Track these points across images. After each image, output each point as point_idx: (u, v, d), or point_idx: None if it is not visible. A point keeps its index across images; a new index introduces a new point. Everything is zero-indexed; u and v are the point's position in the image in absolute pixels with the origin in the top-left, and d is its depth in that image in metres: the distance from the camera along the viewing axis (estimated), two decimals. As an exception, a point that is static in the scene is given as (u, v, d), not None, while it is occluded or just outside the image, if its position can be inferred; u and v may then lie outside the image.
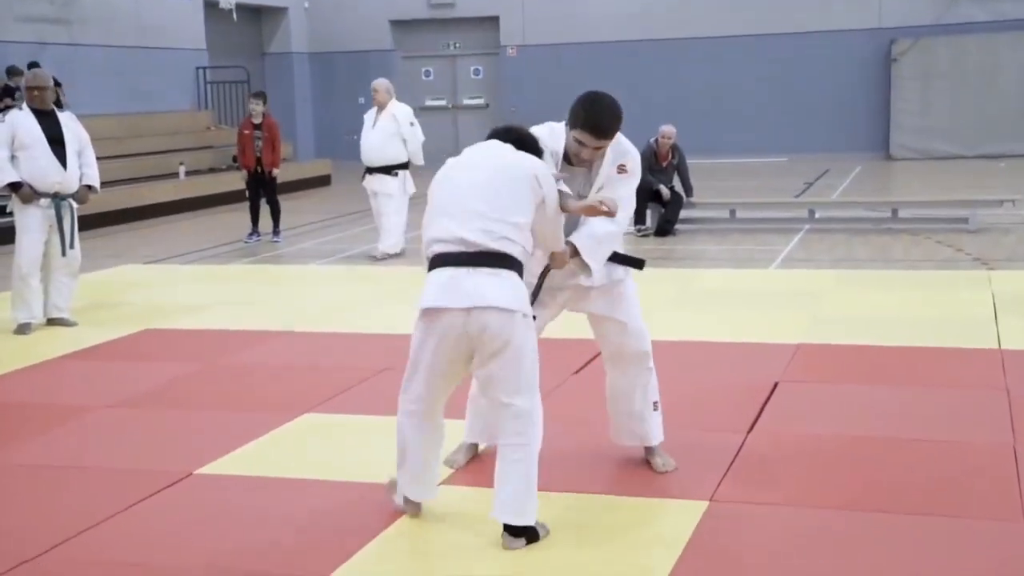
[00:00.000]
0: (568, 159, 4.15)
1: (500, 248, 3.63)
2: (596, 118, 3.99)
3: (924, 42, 20.27)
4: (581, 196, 4.08)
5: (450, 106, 23.52)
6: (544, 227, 3.84)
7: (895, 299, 7.99)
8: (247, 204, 12.64)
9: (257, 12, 23.03)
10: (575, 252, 4.12)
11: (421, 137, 10.90)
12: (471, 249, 3.62)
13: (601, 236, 4.15)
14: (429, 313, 3.69)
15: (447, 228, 3.67)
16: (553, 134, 4.16)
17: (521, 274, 3.72)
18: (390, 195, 10.78)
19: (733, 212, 12.75)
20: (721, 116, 21.13)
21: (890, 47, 20.50)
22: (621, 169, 4.16)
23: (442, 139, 23.34)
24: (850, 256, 10.42)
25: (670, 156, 12.15)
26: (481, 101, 23.06)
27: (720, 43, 21.17)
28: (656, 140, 12.08)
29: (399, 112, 10.86)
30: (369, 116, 11.09)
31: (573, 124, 4.03)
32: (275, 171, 12.38)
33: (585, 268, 4.18)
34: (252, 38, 23.12)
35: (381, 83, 11.08)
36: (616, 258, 4.30)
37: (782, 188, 16.18)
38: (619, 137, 4.16)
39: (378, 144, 10.82)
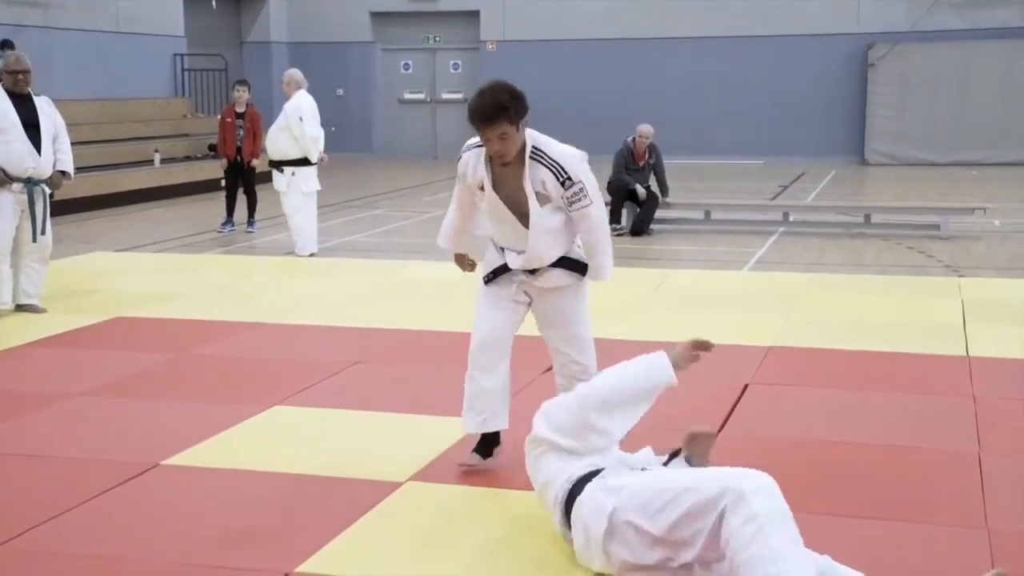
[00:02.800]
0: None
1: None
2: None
3: (901, 48, 20.39)
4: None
5: (428, 100, 23.47)
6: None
7: (866, 303, 8.03)
8: (223, 193, 12.56)
9: (237, 1, 22.89)
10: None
11: (312, 131, 10.36)
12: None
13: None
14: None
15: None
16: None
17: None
18: (282, 193, 10.58)
19: (708, 213, 12.79)
20: (700, 117, 21.19)
21: (867, 52, 20.60)
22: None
23: (420, 132, 23.32)
24: (823, 260, 10.46)
25: (647, 156, 12.14)
26: (460, 96, 22.97)
27: (701, 44, 21.21)
28: (633, 139, 12.08)
29: (289, 106, 10.47)
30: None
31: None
32: (255, 161, 12.31)
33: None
34: (231, 27, 22.98)
35: (286, 74, 10.83)
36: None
37: (758, 190, 16.24)
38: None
39: (270, 138, 10.64)
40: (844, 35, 20.72)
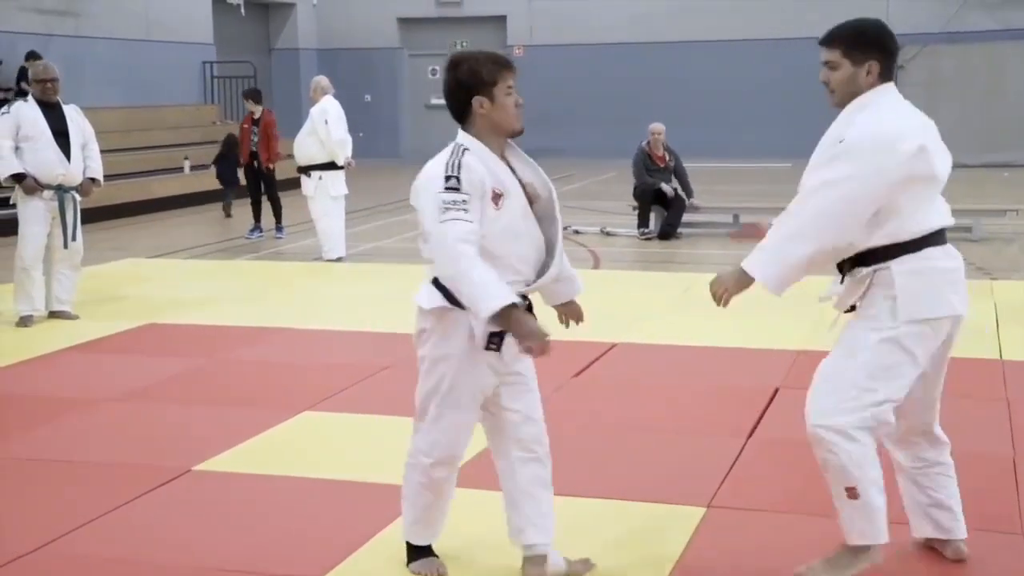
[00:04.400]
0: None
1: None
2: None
3: (930, 49, 20.24)
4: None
5: (456, 105, 23.53)
6: None
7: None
8: (250, 199, 12.65)
9: (265, 8, 23.05)
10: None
11: (338, 135, 10.38)
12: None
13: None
14: None
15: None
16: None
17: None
18: (309, 197, 10.61)
19: (736, 217, 12.71)
20: (725, 120, 21.11)
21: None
22: None
23: (446, 137, 23.16)
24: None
25: (666, 158, 12.11)
26: (487, 100, 23.06)
27: (725, 47, 21.16)
28: (647, 141, 12.07)
29: (315, 110, 10.52)
30: None
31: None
32: (271, 166, 12.37)
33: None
34: (259, 34, 23.13)
35: (313, 80, 10.88)
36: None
37: (787, 193, 16.06)
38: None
39: (297, 143, 10.68)
40: (873, 37, 20.62)
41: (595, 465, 4.61)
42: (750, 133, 21.09)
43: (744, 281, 3.31)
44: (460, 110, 3.33)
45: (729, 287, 3.31)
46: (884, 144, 3.22)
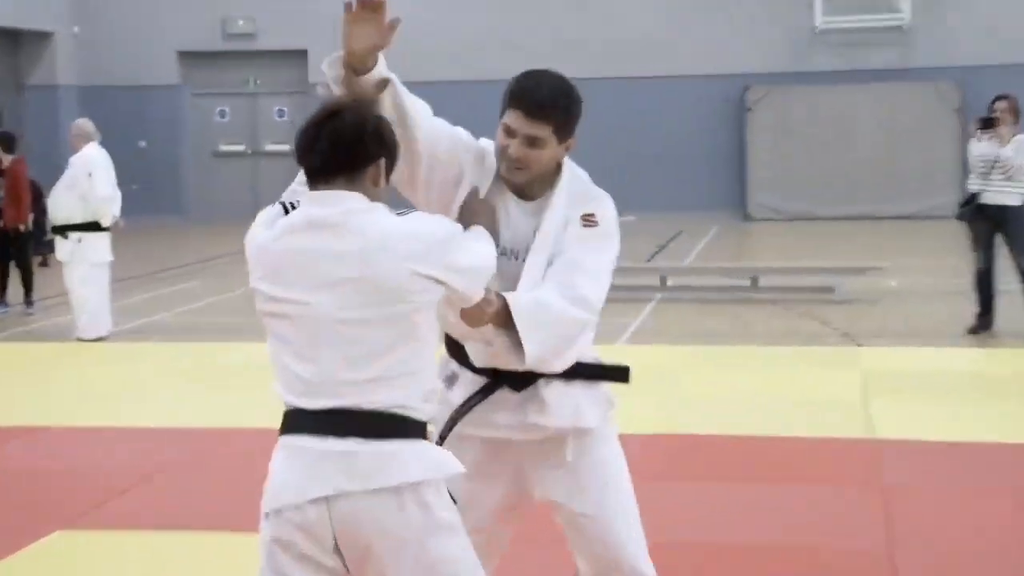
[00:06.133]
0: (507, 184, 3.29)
1: (382, 406, 2.80)
2: (531, 89, 3.22)
3: (780, 90, 21.13)
4: (512, 250, 3.23)
5: (249, 152, 23.28)
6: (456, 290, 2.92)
7: (755, 380, 8.12)
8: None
9: (14, 36, 22.38)
10: (502, 315, 3.08)
11: (103, 190, 10.23)
12: (335, 409, 2.80)
13: (550, 305, 3.14)
14: (270, 516, 2.84)
15: (292, 388, 2.86)
16: (484, 159, 3.31)
17: (420, 436, 2.85)
18: (65, 263, 10.30)
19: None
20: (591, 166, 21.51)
21: (744, 95, 21.29)
22: (589, 220, 3.26)
23: (240, 191, 22.99)
24: (706, 330, 10.59)
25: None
26: (286, 147, 22.78)
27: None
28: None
29: (77, 159, 10.27)
30: None
31: (502, 108, 3.26)
32: (21, 227, 11.94)
33: (515, 352, 3.11)
34: (8, 67, 22.48)
35: (74, 124, 10.64)
36: (582, 371, 3.27)
37: (630, 251, 16.37)
38: (582, 173, 3.37)
39: (53, 198, 10.40)
40: (718, 76, 21.37)
41: None
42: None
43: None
44: None
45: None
46: None
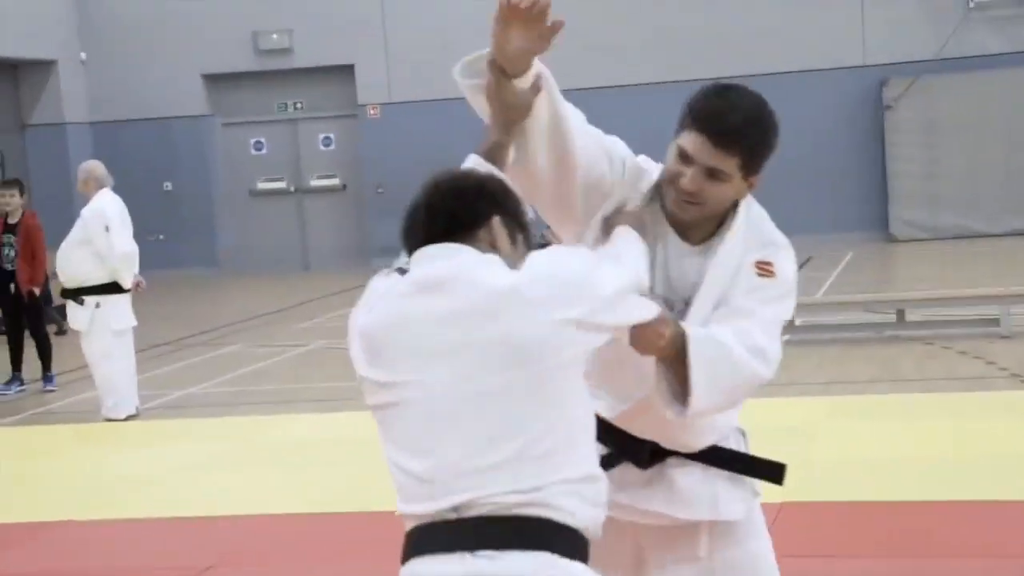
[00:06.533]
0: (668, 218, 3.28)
1: (518, 503, 2.69)
2: (721, 112, 3.15)
3: (925, 82, 20.89)
4: (666, 299, 3.20)
5: (292, 189, 23.52)
6: (617, 328, 2.92)
7: (908, 434, 8.11)
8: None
9: (12, 68, 22.84)
10: (675, 345, 3.05)
11: (123, 247, 10.43)
12: (460, 516, 2.70)
13: (730, 349, 3.12)
14: None
15: (413, 495, 2.77)
16: (641, 179, 3.31)
17: (569, 548, 2.73)
18: (83, 333, 10.46)
19: (685, 322, 12.89)
20: (660, 189, 21.50)
21: (881, 90, 21.12)
22: (766, 269, 3.23)
23: (284, 235, 23.25)
24: (845, 376, 10.57)
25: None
26: (335, 181, 23.09)
27: (653, 92, 21.53)
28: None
29: (89, 211, 10.46)
30: None
31: (680, 126, 3.23)
32: (36, 290, 12.18)
33: (675, 397, 3.11)
34: (7, 104, 22.89)
35: (82, 168, 10.77)
36: (733, 461, 3.32)
37: (750, 285, 16.42)
38: (763, 213, 3.35)
39: (62, 257, 10.57)
40: (848, 69, 21.23)
41: None
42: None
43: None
44: None
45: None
46: None
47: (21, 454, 9.46)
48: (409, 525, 2.78)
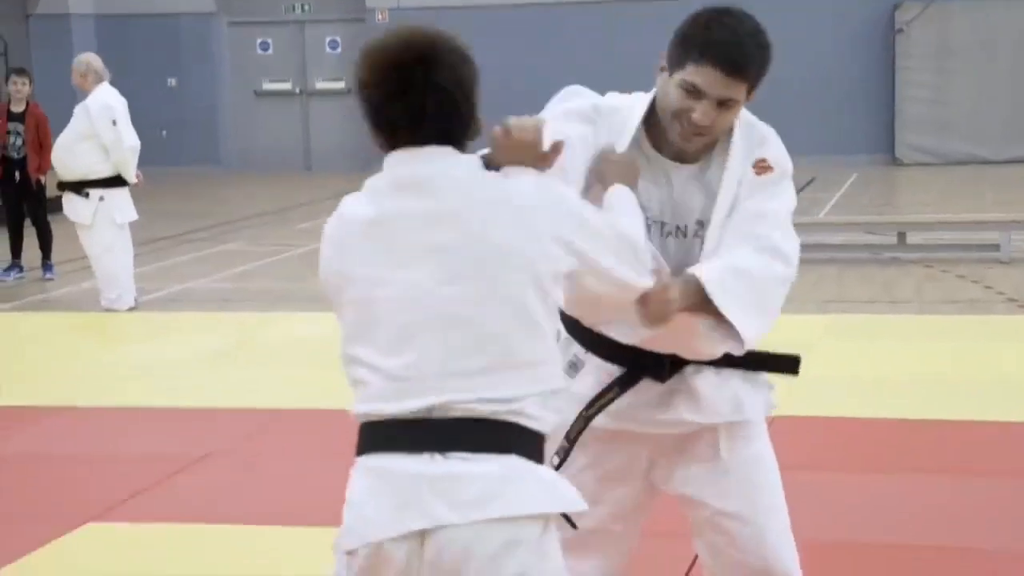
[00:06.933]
0: (658, 147, 3.26)
1: (493, 412, 2.69)
2: (729, 43, 3.11)
3: (938, 7, 20.79)
4: (678, 227, 3.25)
5: (298, 91, 23.47)
6: (598, 268, 2.84)
7: (905, 354, 8.14)
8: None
9: (19, -42, 22.70)
10: (698, 300, 3.10)
11: (130, 141, 10.43)
12: (431, 416, 2.70)
13: (749, 270, 3.16)
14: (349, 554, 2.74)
15: (382, 392, 2.73)
16: (615, 114, 3.27)
17: (536, 453, 2.75)
18: (87, 227, 10.45)
19: (687, 237, 12.90)
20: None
21: (893, 14, 20.99)
22: (762, 167, 3.26)
23: (287, 136, 23.24)
24: (844, 296, 10.61)
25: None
26: (341, 84, 22.96)
27: (666, 8, 21.43)
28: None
29: (94, 104, 10.44)
30: (76, 110, 10.76)
31: (680, 60, 3.15)
32: (42, 178, 12.21)
33: (722, 335, 3.16)
34: (11, -6, 22.81)
35: (80, 61, 10.68)
36: (748, 359, 3.31)
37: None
38: (748, 115, 3.34)
39: (63, 150, 10.53)
40: (861, -9, 21.11)
41: None
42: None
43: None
44: None
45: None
46: None
47: (21, 340, 9.54)
48: (371, 418, 2.76)
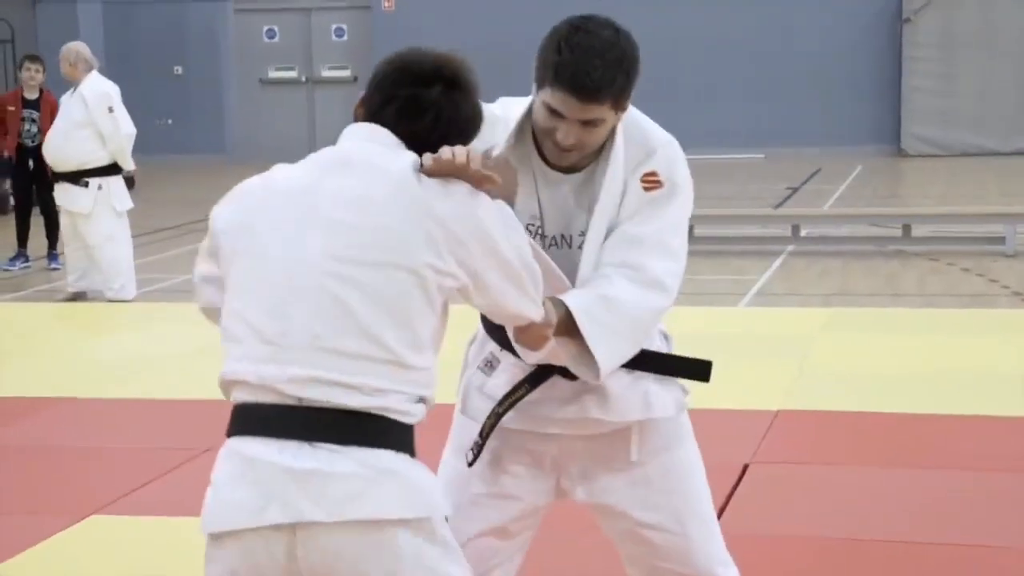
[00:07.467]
0: (542, 155, 3.20)
1: (361, 405, 2.69)
2: (582, 69, 3.01)
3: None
4: (563, 236, 3.21)
5: (303, 79, 23.46)
6: (491, 294, 2.85)
7: (907, 348, 8.12)
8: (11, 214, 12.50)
9: (26, -58, 22.69)
10: (566, 325, 3.04)
11: (127, 129, 10.52)
12: (302, 404, 2.70)
13: (621, 301, 3.08)
14: (215, 541, 2.77)
15: (252, 353, 2.76)
16: (506, 119, 3.20)
17: (406, 444, 2.76)
18: (85, 216, 10.46)
19: (690, 228, 12.87)
20: (673, 97, 21.28)
21: (900, 3, 20.92)
22: (650, 181, 3.18)
23: (292, 124, 23.20)
24: (847, 289, 10.61)
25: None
26: (346, 72, 22.97)
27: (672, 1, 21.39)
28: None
29: (90, 92, 10.50)
30: (66, 99, 10.82)
31: (540, 80, 3.09)
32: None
33: (584, 363, 3.08)
34: (19, -21, 22.77)
35: (70, 50, 10.69)
36: (658, 364, 3.29)
37: (757, 195, 16.41)
38: (638, 117, 3.24)
39: (58, 139, 10.56)
40: (868, -19, 21.06)
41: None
42: (704, 113, 21.27)
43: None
44: None
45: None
46: None
47: (24, 330, 9.54)
48: (238, 397, 2.78)
